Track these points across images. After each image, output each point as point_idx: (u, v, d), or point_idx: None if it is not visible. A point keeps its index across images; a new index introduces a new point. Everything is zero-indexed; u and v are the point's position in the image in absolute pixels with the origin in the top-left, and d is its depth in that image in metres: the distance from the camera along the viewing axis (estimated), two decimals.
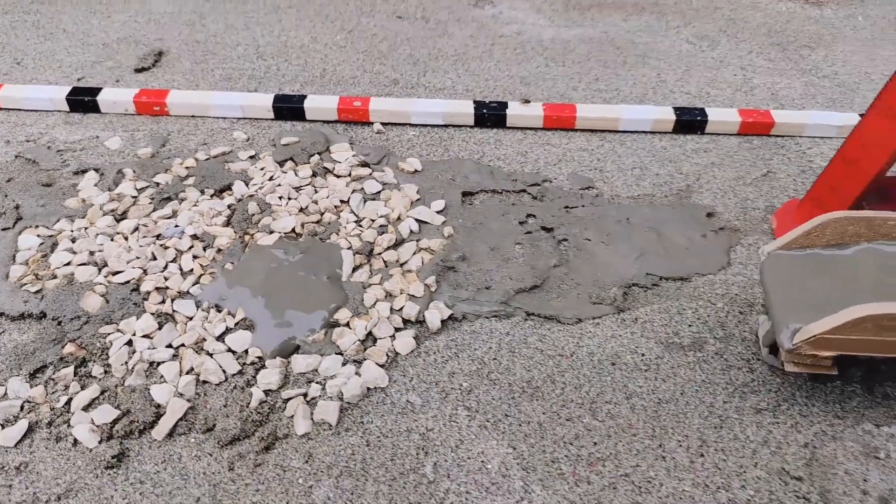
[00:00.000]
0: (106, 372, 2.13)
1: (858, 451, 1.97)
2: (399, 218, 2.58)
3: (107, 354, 2.16)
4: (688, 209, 2.66)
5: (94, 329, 2.22)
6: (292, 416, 2.03)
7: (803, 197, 2.53)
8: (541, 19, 3.81)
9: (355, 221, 2.57)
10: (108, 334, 2.21)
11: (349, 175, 2.76)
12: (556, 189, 2.75)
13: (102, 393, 2.08)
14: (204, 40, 3.60)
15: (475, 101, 3.05)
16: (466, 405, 2.07)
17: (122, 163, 2.84)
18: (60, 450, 1.95)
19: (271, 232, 2.52)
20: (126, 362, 2.14)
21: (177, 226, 2.54)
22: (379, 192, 2.69)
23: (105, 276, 2.37)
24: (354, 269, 2.41)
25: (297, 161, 2.82)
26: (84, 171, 2.80)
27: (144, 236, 2.50)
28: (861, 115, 2.43)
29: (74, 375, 2.11)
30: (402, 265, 2.43)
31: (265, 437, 1.97)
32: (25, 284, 2.35)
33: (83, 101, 3.09)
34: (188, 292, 2.33)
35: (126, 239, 2.50)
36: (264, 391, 2.07)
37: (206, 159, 2.85)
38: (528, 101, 3.01)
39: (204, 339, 2.19)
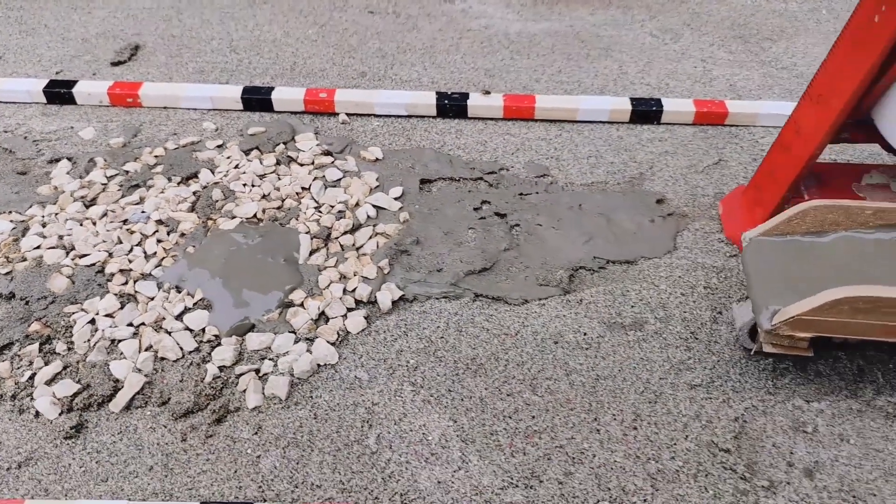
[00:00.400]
0: (69, 349, 2.22)
1: (787, 426, 2.05)
2: (357, 204, 2.67)
3: (70, 332, 2.26)
4: (639, 196, 2.74)
5: (60, 308, 2.32)
6: (244, 391, 2.12)
7: (748, 183, 2.62)
8: (509, 13, 3.89)
9: (315, 207, 2.66)
10: (73, 313, 2.31)
11: (312, 163, 2.85)
12: (512, 177, 2.84)
13: (65, 368, 2.17)
14: (180, 35, 3.69)
15: (437, 93, 3.13)
16: (412, 381, 2.16)
17: (95, 152, 2.94)
18: (23, 421, 2.05)
19: (233, 217, 2.61)
20: (88, 340, 2.24)
21: (143, 211, 2.63)
22: (339, 179, 2.78)
23: (72, 259, 2.47)
24: (311, 253, 2.49)
25: (262, 150, 2.91)
26: (57, 160, 2.90)
27: (112, 221, 2.60)
28: None
29: (39, 352, 2.21)
30: (357, 249, 2.52)
31: (217, 410, 2.06)
32: None
33: (59, 93, 3.18)
34: (150, 274, 2.43)
35: (94, 224, 2.60)
36: (219, 367, 2.17)
37: (175, 148, 2.94)
38: (488, 93, 3.10)
39: (163, 319, 2.28)
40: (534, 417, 2.07)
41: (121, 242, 2.53)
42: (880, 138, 2.20)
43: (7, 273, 2.44)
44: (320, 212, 2.64)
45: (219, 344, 2.23)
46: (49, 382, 2.13)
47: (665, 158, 2.94)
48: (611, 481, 1.92)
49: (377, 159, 2.90)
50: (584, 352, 2.24)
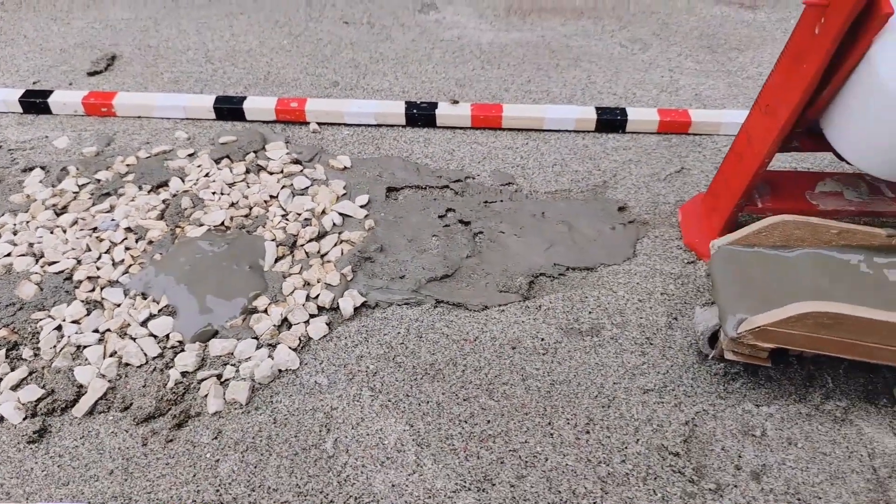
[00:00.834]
0: (35, 355, 2.26)
1: (737, 430, 2.09)
2: (324, 212, 2.71)
3: (37, 338, 2.29)
4: (601, 203, 2.79)
5: (27, 315, 2.36)
6: (205, 396, 2.16)
7: (706, 191, 2.67)
8: (482, 24, 3.95)
9: (282, 215, 2.70)
10: (40, 320, 2.34)
11: (281, 172, 2.89)
12: (477, 185, 2.88)
13: (31, 374, 2.21)
14: (156, 45, 3.74)
15: (406, 102, 3.18)
16: (371, 386, 2.20)
17: (68, 161, 2.98)
18: None
19: (201, 225, 2.66)
20: (55, 346, 2.28)
21: (113, 220, 2.67)
22: (307, 187, 2.83)
23: (41, 266, 2.51)
24: (277, 260, 2.54)
25: (232, 158, 2.96)
26: (31, 169, 2.94)
27: (81, 229, 2.64)
28: None
29: (6, 357, 2.24)
30: (322, 256, 2.56)
31: (178, 415, 2.10)
32: None
33: (35, 102, 3.23)
34: (118, 281, 2.47)
35: (64, 232, 2.64)
36: (181, 373, 2.20)
37: (147, 157, 2.99)
38: (456, 102, 3.15)
39: (128, 325, 2.32)
40: (489, 422, 2.11)
41: (89, 250, 2.56)
42: (829, 147, 2.26)
43: None
44: (287, 219, 2.69)
45: (182, 350, 2.27)
46: (15, 388, 2.17)
47: (629, 167, 2.99)
48: (562, 484, 1.96)
49: (345, 168, 2.94)
50: (541, 357, 2.28)
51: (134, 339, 2.28)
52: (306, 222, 2.66)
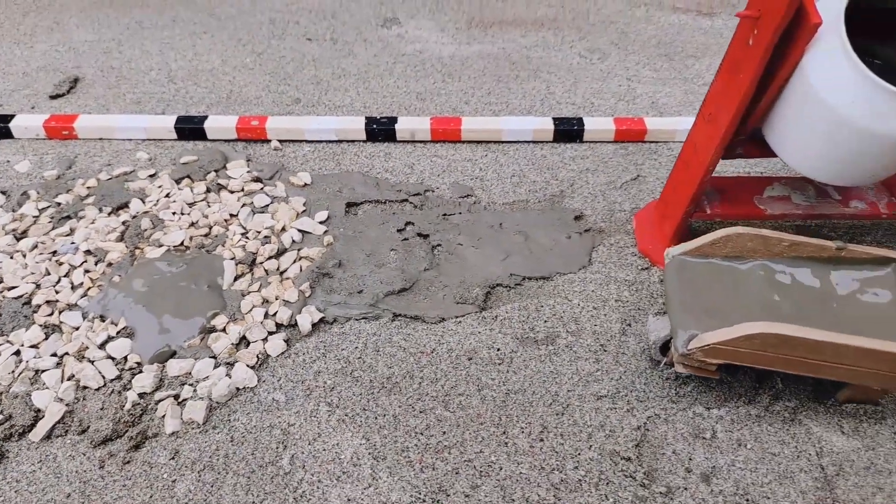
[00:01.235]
0: None
1: (687, 433, 2.13)
2: (283, 229, 2.74)
3: None
4: (557, 213, 2.83)
5: None
6: (163, 417, 2.17)
7: (659, 198, 2.71)
8: (444, 38, 4.00)
9: (242, 233, 2.72)
10: None
11: (242, 190, 2.91)
12: (436, 198, 2.92)
13: None
14: (119, 66, 3.76)
15: (366, 117, 3.22)
16: (328, 401, 2.22)
17: (29, 185, 2.99)
18: None
19: (160, 245, 2.67)
20: (13, 371, 2.29)
21: (73, 243, 2.68)
22: (268, 205, 2.85)
23: (0, 293, 2.52)
24: (236, 278, 2.56)
25: (193, 178, 2.98)
26: None
27: (41, 253, 2.65)
28: None
29: None
30: (281, 273, 2.59)
31: (135, 437, 2.11)
32: None
33: None
34: (76, 304, 2.48)
35: (24, 256, 2.65)
36: (138, 394, 2.22)
37: (108, 179, 3.00)
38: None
39: (86, 348, 2.33)
40: (444, 433, 2.13)
41: (49, 274, 2.57)
42: (774, 153, 2.31)
43: None
44: (247, 238, 2.71)
45: (140, 371, 2.29)
46: None
47: (586, 176, 3.04)
48: (515, 492, 1.99)
49: (306, 184, 2.97)
50: (496, 367, 2.31)
51: (92, 362, 2.29)
52: (266, 240, 2.69)
